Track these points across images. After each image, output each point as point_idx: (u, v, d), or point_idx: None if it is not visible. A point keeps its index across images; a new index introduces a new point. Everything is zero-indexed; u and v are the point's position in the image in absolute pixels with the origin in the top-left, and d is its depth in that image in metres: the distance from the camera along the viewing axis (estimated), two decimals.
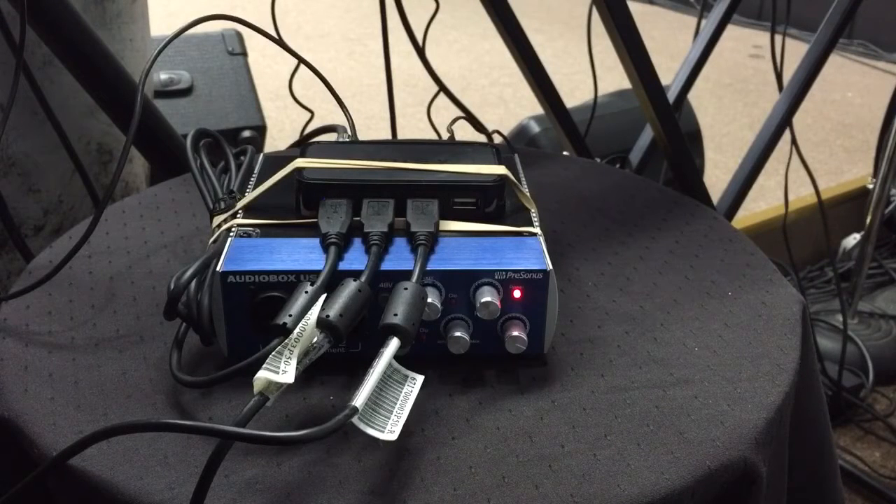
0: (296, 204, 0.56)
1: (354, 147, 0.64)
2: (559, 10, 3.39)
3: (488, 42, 2.92)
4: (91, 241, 0.65)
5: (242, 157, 0.66)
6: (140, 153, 0.92)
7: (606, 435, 0.48)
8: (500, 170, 0.57)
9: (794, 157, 1.15)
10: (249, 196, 0.58)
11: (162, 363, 0.53)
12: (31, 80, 0.77)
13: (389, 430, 0.43)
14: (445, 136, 0.71)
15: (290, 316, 0.46)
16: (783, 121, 1.08)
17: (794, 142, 1.14)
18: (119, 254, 0.65)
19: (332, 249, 0.51)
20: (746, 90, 2.66)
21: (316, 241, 0.53)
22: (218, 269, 0.50)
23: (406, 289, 0.48)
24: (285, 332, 0.45)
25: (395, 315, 0.46)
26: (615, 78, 1.28)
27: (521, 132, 1.55)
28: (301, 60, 0.71)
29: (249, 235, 0.54)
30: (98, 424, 0.48)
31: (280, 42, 0.71)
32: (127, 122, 0.84)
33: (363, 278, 0.49)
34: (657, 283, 0.62)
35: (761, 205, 1.89)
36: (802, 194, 1.73)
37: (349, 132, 0.69)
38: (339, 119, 0.72)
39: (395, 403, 0.44)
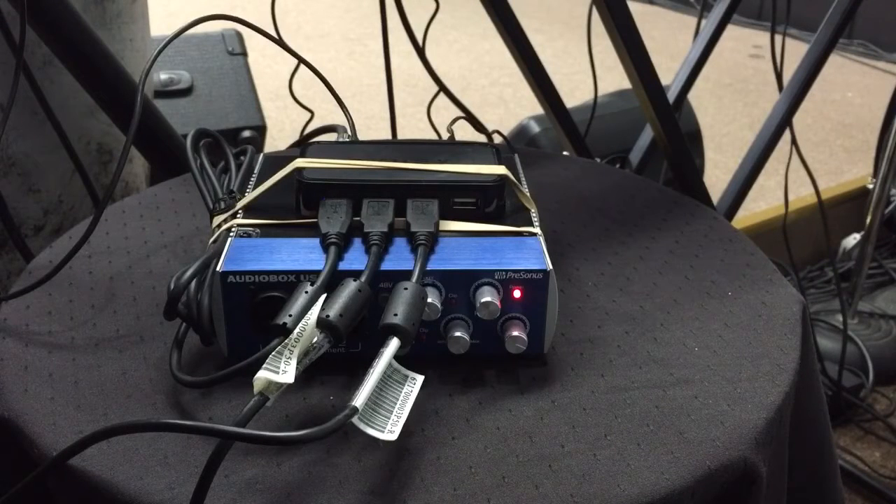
0: (296, 204, 0.56)
1: (354, 147, 0.64)
2: (559, 10, 3.39)
3: (488, 42, 2.92)
4: (91, 241, 0.65)
5: (242, 157, 0.66)
6: (140, 153, 0.92)
7: (606, 435, 0.48)
8: (500, 170, 0.57)
9: (794, 157, 1.15)
10: (249, 196, 0.58)
11: (162, 363, 0.53)
12: (31, 80, 0.77)
13: (389, 430, 0.43)
14: (445, 136, 0.71)
15: (290, 316, 0.46)
16: (783, 121, 1.08)
17: (794, 142, 1.14)
18: (119, 254, 0.65)
19: (332, 249, 0.51)
20: (746, 90, 2.66)
21: (316, 241, 0.53)
22: (218, 269, 0.50)
23: (406, 289, 0.48)
24: (285, 332, 0.45)
25: (395, 315, 0.46)
26: (615, 78, 1.28)
27: (521, 132, 1.55)
28: (301, 60, 0.72)
29: (249, 235, 0.54)
30: (98, 424, 0.48)
31: (280, 42, 0.71)
32: (127, 122, 0.84)
33: (363, 278, 0.49)
34: (657, 283, 0.62)
35: (761, 205, 1.89)
36: (802, 194, 1.73)
37: (349, 132, 0.69)
38: (339, 119, 0.72)
39: (395, 403, 0.44)
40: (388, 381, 0.45)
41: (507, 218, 0.56)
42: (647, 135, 1.14)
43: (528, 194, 0.58)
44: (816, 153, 2.22)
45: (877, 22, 2.90)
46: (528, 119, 1.56)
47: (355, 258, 0.51)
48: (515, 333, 0.51)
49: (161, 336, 0.55)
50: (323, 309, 0.46)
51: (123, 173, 1.00)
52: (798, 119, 1.11)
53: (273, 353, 0.44)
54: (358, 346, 0.52)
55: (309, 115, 0.83)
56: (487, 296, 0.50)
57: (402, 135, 1.15)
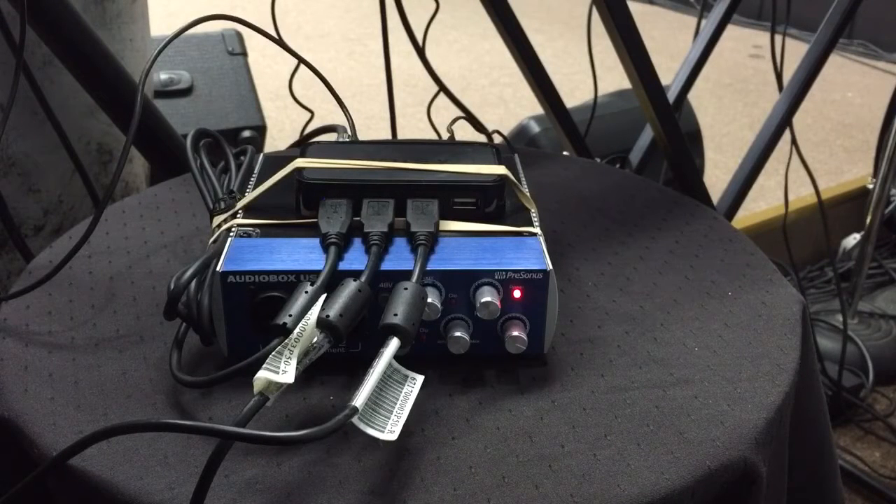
0: (296, 204, 0.56)
1: (354, 147, 0.64)
2: (559, 10, 3.39)
3: (488, 42, 2.92)
4: (91, 241, 0.65)
5: (242, 157, 0.66)
6: (140, 153, 0.92)
7: (606, 435, 0.48)
8: (500, 170, 0.57)
9: (794, 157, 1.15)
10: (249, 196, 0.58)
11: (162, 363, 0.53)
12: (31, 80, 0.77)
13: (389, 430, 0.43)
14: (445, 136, 0.71)
15: (290, 316, 0.46)
16: (783, 121, 1.08)
17: (794, 142, 1.14)
18: (119, 254, 0.65)
19: (332, 249, 0.51)
20: (746, 90, 2.66)
21: (316, 241, 0.53)
22: (218, 269, 0.50)
23: (406, 289, 0.48)
24: (285, 332, 0.45)
25: (395, 315, 0.46)
26: (615, 78, 1.28)
27: (521, 132, 1.56)
28: (301, 60, 0.72)
29: (249, 235, 0.54)
30: (98, 424, 0.48)
31: (280, 42, 0.71)
32: (127, 122, 0.84)
33: (363, 278, 0.49)
34: (657, 283, 0.62)
35: (761, 205, 1.89)
36: (802, 194, 1.73)
37: (349, 132, 0.69)
38: (339, 119, 0.72)
39: (395, 403, 0.44)
40: (388, 381, 0.45)
41: (507, 218, 0.56)
42: (647, 135, 1.14)
43: (528, 194, 0.58)
44: (816, 153, 2.22)
45: (877, 22, 2.90)
46: (528, 119, 1.56)
47: (355, 258, 0.51)
48: (515, 333, 0.51)
49: (161, 336, 0.55)
50: (323, 309, 0.46)
51: (123, 173, 1.00)
52: (798, 119, 1.11)
53: (273, 353, 0.44)
54: (358, 346, 0.52)
55: (309, 115, 0.83)
56: (487, 296, 0.50)
57: (402, 135, 1.16)
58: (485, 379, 0.52)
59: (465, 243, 0.53)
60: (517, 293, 0.51)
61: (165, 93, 1.41)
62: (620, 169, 0.93)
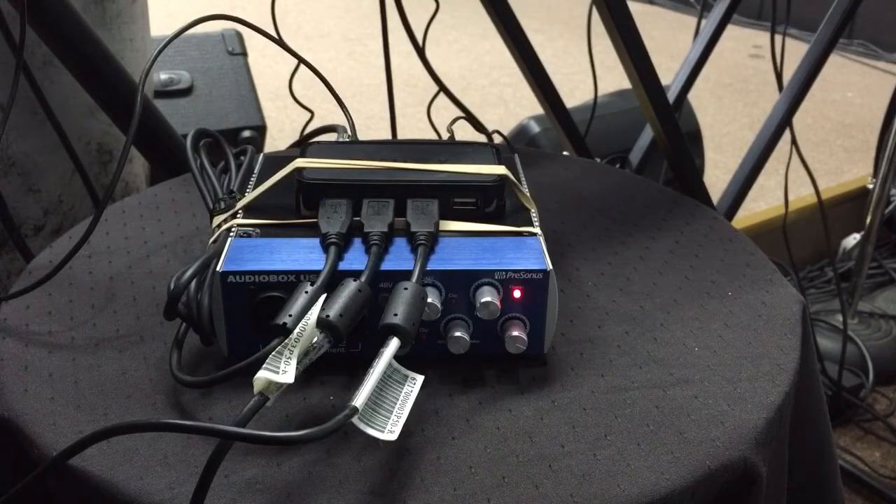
0: (296, 204, 0.56)
1: (354, 147, 0.64)
2: (559, 10, 3.39)
3: (488, 42, 2.92)
4: (91, 241, 0.65)
5: (242, 157, 0.66)
6: (140, 153, 0.92)
7: (606, 435, 0.48)
8: (500, 170, 0.57)
9: (794, 157, 1.15)
10: (249, 196, 0.58)
11: (162, 363, 0.53)
12: (31, 80, 0.77)
13: (389, 430, 0.43)
14: (445, 136, 0.71)
15: (290, 316, 0.46)
16: (783, 121, 1.08)
17: (794, 142, 1.14)
18: (119, 254, 0.65)
19: (332, 249, 0.51)
20: (746, 90, 2.66)
21: (316, 241, 0.53)
22: (218, 269, 0.50)
23: (406, 289, 0.48)
24: (285, 332, 0.45)
25: (395, 315, 0.46)
26: (615, 78, 1.28)
27: (521, 132, 1.56)
28: (301, 60, 0.72)
29: (249, 235, 0.54)
30: (98, 424, 0.48)
31: (280, 42, 0.71)
32: (127, 122, 0.84)
33: (363, 278, 0.49)
34: (657, 283, 0.62)
35: (761, 205, 1.89)
36: (802, 194, 1.73)
37: (349, 132, 0.69)
38: (339, 119, 0.72)
39: (395, 403, 0.44)
40: (388, 381, 0.45)
41: (507, 218, 0.56)
42: (647, 135, 1.14)
43: (528, 194, 0.58)
44: (816, 153, 2.22)
45: (877, 22, 2.90)
46: (528, 119, 1.56)
47: (355, 258, 0.51)
48: (515, 333, 0.51)
49: (161, 336, 0.55)
50: (323, 309, 0.46)
51: (123, 173, 1.00)
52: (798, 119, 1.11)
53: (273, 353, 0.44)
54: (358, 346, 0.52)
55: (309, 115, 0.83)
56: (487, 296, 0.50)
57: (402, 135, 1.16)
58: (485, 379, 0.52)
59: (465, 243, 0.53)
60: (517, 293, 0.51)
61: (165, 93, 1.41)
62: (620, 169, 0.93)
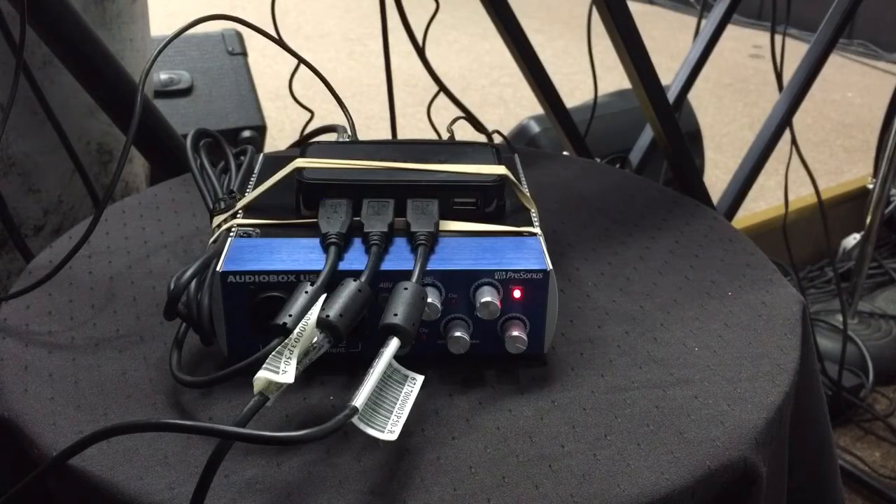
0: (296, 204, 0.56)
1: (354, 147, 0.64)
2: (559, 10, 3.39)
3: (488, 42, 2.92)
4: (91, 241, 0.65)
5: (242, 157, 0.66)
6: (140, 153, 0.92)
7: (606, 435, 0.48)
8: (500, 170, 0.57)
9: (794, 157, 1.15)
10: (249, 196, 0.58)
11: (162, 363, 0.53)
12: (31, 80, 0.77)
13: (389, 430, 0.43)
14: (445, 136, 0.71)
15: (290, 316, 0.46)
16: (783, 121, 1.08)
17: (794, 142, 1.14)
18: (119, 254, 0.65)
19: (332, 249, 0.51)
20: (746, 90, 2.66)
21: (316, 241, 0.53)
22: (218, 269, 0.50)
23: (406, 289, 0.48)
24: (285, 332, 0.45)
25: (395, 315, 0.46)
26: (615, 78, 1.28)
27: (521, 132, 1.55)
28: (301, 60, 0.72)
29: (249, 235, 0.54)
30: (98, 424, 0.48)
31: (280, 42, 0.71)
32: (127, 122, 0.84)
33: (363, 278, 0.49)
34: (657, 283, 0.62)
35: (761, 205, 1.89)
36: (802, 194, 1.73)
37: (349, 132, 0.69)
38: (339, 119, 0.72)
39: (395, 403, 0.44)
40: (388, 381, 0.45)
41: (507, 218, 0.56)
42: (647, 135, 1.14)
43: (528, 194, 0.58)
44: (816, 153, 2.22)
45: (877, 22, 2.90)
46: (528, 119, 1.56)
47: (355, 258, 0.51)
48: (515, 333, 0.51)
49: (161, 336, 0.55)
50: (323, 309, 0.46)
51: (123, 173, 1.00)
52: (798, 119, 1.11)
53: (273, 353, 0.44)
54: (358, 346, 0.52)
55: (309, 115, 0.83)
56: (487, 296, 0.50)
57: (402, 135, 1.16)
58: (485, 379, 0.52)
59: (465, 243, 0.53)
60: (517, 293, 0.51)
61: (165, 93, 1.41)
62: (620, 169, 0.93)
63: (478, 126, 0.78)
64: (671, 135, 0.91)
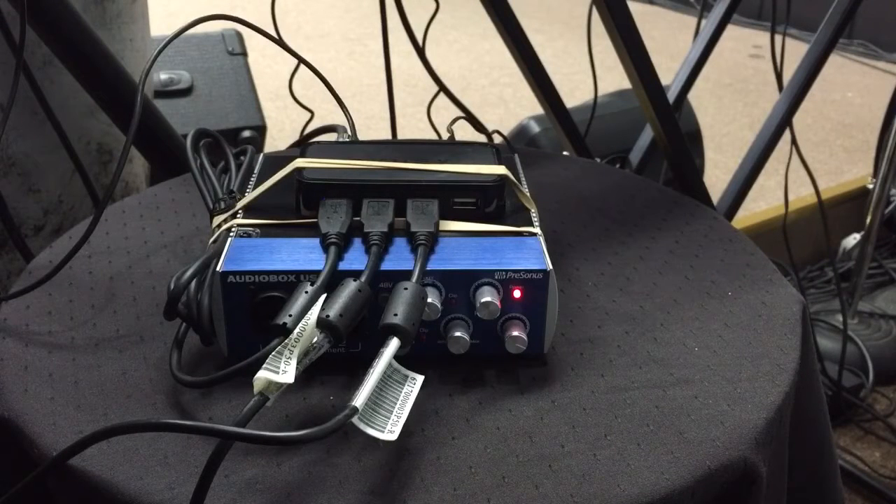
0: (296, 204, 0.56)
1: (354, 147, 0.64)
2: (559, 10, 3.39)
3: (488, 42, 2.92)
4: (91, 241, 0.65)
5: (242, 157, 0.66)
6: (140, 153, 0.92)
7: (606, 435, 0.48)
8: (500, 170, 0.57)
9: (794, 157, 1.15)
10: (249, 196, 0.58)
11: (162, 363, 0.53)
12: (31, 80, 0.77)
13: (389, 430, 0.43)
14: (445, 136, 0.71)
15: (290, 316, 0.46)
16: (783, 121, 1.08)
17: (794, 142, 1.14)
18: (119, 254, 0.65)
19: (332, 249, 0.51)
20: (746, 90, 2.66)
21: (316, 241, 0.53)
22: (218, 269, 0.50)
23: (406, 289, 0.48)
24: (285, 332, 0.45)
25: (395, 315, 0.46)
26: (615, 78, 1.28)
27: (521, 132, 1.55)
28: (301, 60, 0.72)
29: (249, 235, 0.54)
30: (98, 424, 0.48)
31: (280, 42, 0.71)
32: (127, 122, 0.84)
33: (363, 278, 0.49)
34: (657, 283, 0.62)
35: (761, 205, 1.89)
36: (802, 194, 1.73)
37: (349, 132, 0.69)
38: (339, 119, 0.72)
39: (395, 403, 0.44)
40: (388, 381, 0.45)
41: (507, 218, 0.56)
42: (647, 135, 1.14)
43: (528, 194, 0.58)
44: (816, 153, 2.22)
45: (877, 22, 2.90)
46: (528, 119, 1.56)
47: (355, 258, 0.51)
48: (515, 333, 0.51)
49: (161, 336, 0.55)
50: (323, 309, 0.46)
51: (123, 173, 1.00)
52: (798, 119, 1.11)
53: (273, 353, 0.44)
54: (358, 346, 0.52)
55: (309, 115, 0.83)
56: (487, 296, 0.50)
57: (402, 135, 1.16)
58: (485, 379, 0.52)
59: (465, 243, 0.53)
60: (517, 293, 0.51)
61: (165, 93, 1.41)
62: (620, 169, 0.93)
63: (478, 126, 0.78)
64: (671, 135, 0.91)
